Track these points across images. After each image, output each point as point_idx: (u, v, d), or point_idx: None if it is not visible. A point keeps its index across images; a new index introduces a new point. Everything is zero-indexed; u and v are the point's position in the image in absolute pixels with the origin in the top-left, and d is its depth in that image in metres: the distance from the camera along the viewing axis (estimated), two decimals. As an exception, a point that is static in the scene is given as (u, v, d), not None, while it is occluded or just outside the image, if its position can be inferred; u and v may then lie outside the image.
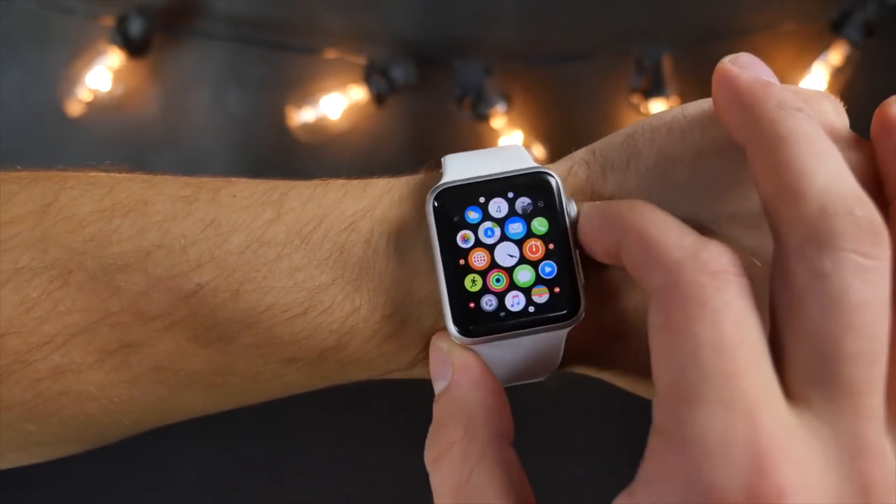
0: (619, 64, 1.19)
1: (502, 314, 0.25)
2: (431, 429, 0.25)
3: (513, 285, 0.25)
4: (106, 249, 0.25)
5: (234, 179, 0.27)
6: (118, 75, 1.24)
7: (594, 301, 0.26)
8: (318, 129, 1.24)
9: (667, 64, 1.15)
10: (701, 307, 0.20)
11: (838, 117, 0.25)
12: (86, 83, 1.23)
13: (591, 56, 1.20)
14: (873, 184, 0.24)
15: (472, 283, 0.25)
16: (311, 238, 0.26)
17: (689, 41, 1.17)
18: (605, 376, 0.28)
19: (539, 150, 1.23)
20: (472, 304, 0.25)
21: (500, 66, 1.21)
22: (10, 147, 1.23)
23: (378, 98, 1.22)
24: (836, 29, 1.13)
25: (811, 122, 0.22)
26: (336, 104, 1.23)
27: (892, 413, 0.20)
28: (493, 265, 0.25)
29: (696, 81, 1.15)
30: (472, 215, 0.25)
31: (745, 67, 0.24)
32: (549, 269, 0.25)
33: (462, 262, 0.25)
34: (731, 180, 0.25)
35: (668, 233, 0.22)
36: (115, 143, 1.28)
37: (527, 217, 0.25)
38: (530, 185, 0.26)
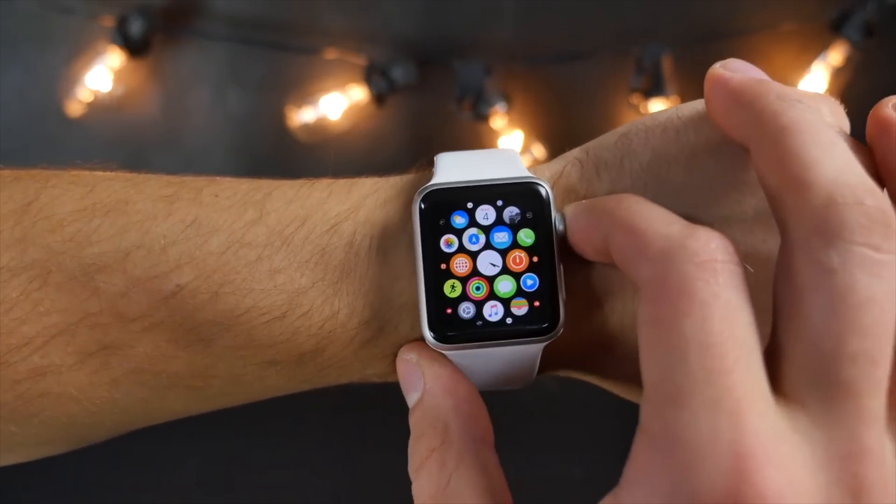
0: (619, 64, 1.19)
1: (479, 323, 0.25)
2: (411, 440, 0.24)
3: (492, 295, 0.25)
4: (85, 250, 0.25)
5: (217, 178, 0.27)
6: (118, 75, 1.24)
7: (579, 309, 0.25)
8: (318, 130, 1.24)
9: (667, 64, 1.15)
10: (689, 300, 0.19)
11: (834, 119, 0.24)
12: (86, 83, 1.23)
13: (591, 56, 1.20)
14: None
15: (451, 289, 0.25)
16: (293, 240, 0.26)
17: (689, 41, 1.16)
18: (593, 380, 0.28)
19: (539, 150, 1.23)
20: (449, 310, 0.25)
21: (500, 66, 1.21)
22: (10, 147, 1.23)
23: (378, 98, 1.22)
24: (835, 29, 1.13)
25: (814, 112, 0.22)
26: (336, 104, 1.23)
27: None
28: (475, 273, 0.25)
29: (696, 81, 1.15)
30: (459, 220, 0.25)
31: (736, 71, 0.24)
32: (531, 281, 0.25)
33: (443, 266, 0.25)
34: (725, 182, 0.24)
35: (655, 222, 0.21)
36: (115, 143, 1.29)
37: (513, 227, 0.25)
38: (520, 194, 0.25)
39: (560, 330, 0.25)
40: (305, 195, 0.26)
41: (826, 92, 1.12)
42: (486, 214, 0.25)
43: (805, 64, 1.15)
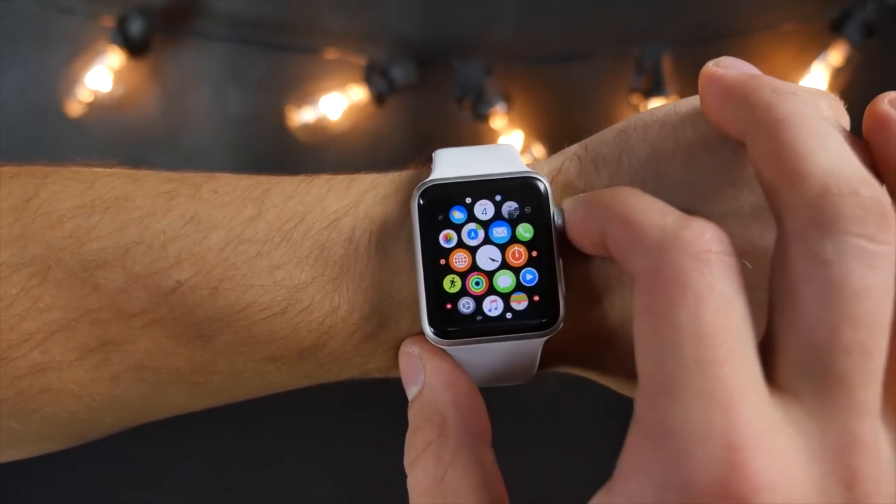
0: (619, 64, 1.19)
1: (479, 318, 0.25)
2: (408, 433, 0.25)
3: (492, 290, 0.25)
4: (85, 246, 0.25)
5: (217, 175, 0.27)
6: (118, 75, 1.24)
7: (578, 304, 0.25)
8: (318, 129, 1.24)
9: (667, 64, 1.15)
10: (683, 291, 0.19)
11: (833, 114, 0.24)
12: (86, 83, 1.23)
13: (591, 56, 1.20)
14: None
15: (450, 284, 0.25)
16: (292, 235, 0.26)
17: (689, 41, 1.16)
18: (592, 376, 0.28)
19: (539, 151, 1.23)
20: (448, 305, 0.25)
21: (500, 66, 1.21)
22: (10, 147, 1.23)
23: (378, 98, 1.22)
24: (835, 29, 1.13)
25: (809, 104, 0.22)
26: (336, 104, 1.23)
27: (893, 406, 0.20)
28: (474, 268, 0.25)
29: (696, 81, 1.15)
30: (457, 215, 0.25)
31: (729, 68, 0.24)
32: (530, 276, 0.25)
33: (443, 261, 0.25)
34: (722, 178, 0.24)
35: (650, 214, 0.21)
36: (115, 143, 1.29)
37: (512, 222, 0.25)
38: (519, 189, 0.25)
39: (560, 324, 0.25)
40: (304, 191, 0.27)
41: (826, 92, 1.12)
42: (484, 209, 0.25)
43: (805, 64, 1.15)
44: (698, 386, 0.19)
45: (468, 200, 0.25)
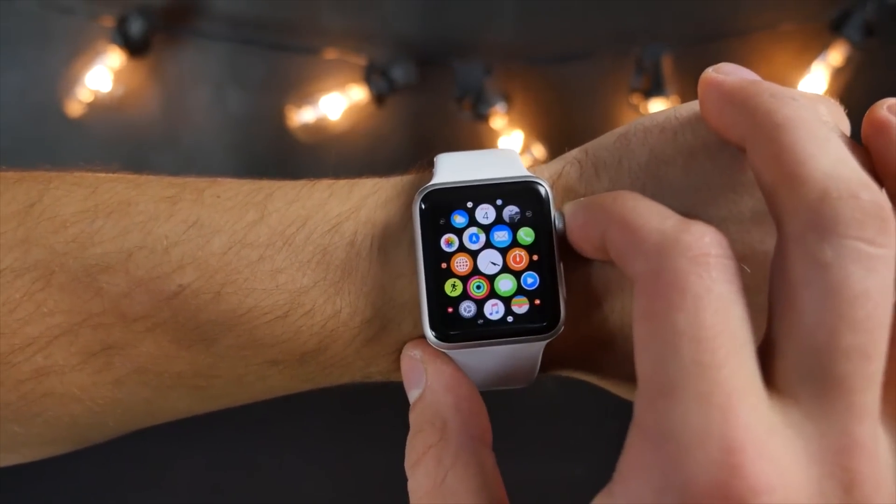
0: (619, 64, 1.19)
1: (480, 322, 0.25)
2: (409, 436, 0.25)
3: (493, 293, 0.25)
4: (88, 250, 0.25)
5: (219, 179, 0.27)
6: (118, 75, 1.24)
7: (579, 308, 0.26)
8: (318, 130, 1.24)
9: (667, 64, 1.15)
10: (682, 294, 0.19)
11: (832, 119, 0.24)
12: (86, 83, 1.23)
13: (591, 56, 1.20)
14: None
15: (452, 288, 0.25)
16: (294, 240, 0.26)
17: (689, 41, 1.16)
18: (593, 380, 0.28)
19: (539, 150, 1.23)
20: (450, 309, 0.25)
21: (500, 66, 1.21)
22: (10, 147, 1.23)
23: (378, 98, 1.22)
24: (835, 29, 1.13)
25: (809, 109, 0.22)
26: (336, 104, 1.23)
27: (892, 409, 0.20)
28: (475, 272, 0.25)
29: (697, 82, 1.15)
30: (459, 219, 0.25)
31: (729, 74, 0.24)
32: (531, 280, 0.25)
33: (444, 265, 0.25)
34: (722, 183, 0.25)
35: (650, 218, 0.21)
36: (116, 143, 1.29)
37: (513, 226, 0.25)
38: (520, 193, 0.25)
39: (561, 328, 0.25)
40: (306, 196, 0.27)
41: (826, 92, 1.12)
42: (485, 213, 0.25)
43: (805, 64, 1.15)
44: (697, 388, 0.19)
45: (469, 205, 0.25)
